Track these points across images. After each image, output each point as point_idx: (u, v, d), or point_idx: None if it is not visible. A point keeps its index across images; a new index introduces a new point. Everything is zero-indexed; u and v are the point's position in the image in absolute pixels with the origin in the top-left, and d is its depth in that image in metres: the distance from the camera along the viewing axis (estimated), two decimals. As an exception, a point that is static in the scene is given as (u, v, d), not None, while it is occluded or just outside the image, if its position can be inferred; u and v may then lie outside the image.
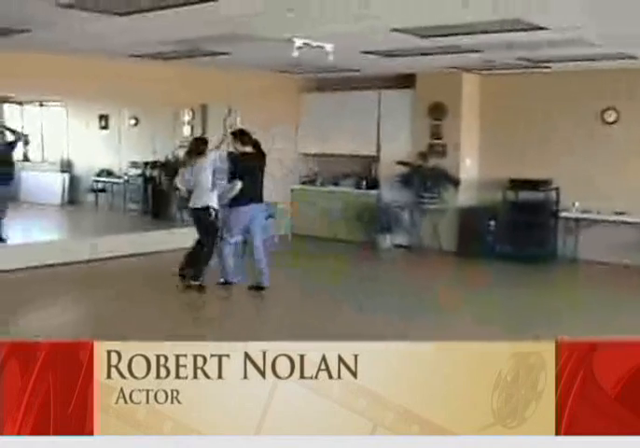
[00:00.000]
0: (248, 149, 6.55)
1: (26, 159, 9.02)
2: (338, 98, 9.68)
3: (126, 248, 7.69)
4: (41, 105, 9.07)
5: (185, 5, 4.58)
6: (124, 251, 7.64)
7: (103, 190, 9.63)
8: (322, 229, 9.64)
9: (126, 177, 9.39)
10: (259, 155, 6.69)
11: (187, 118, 9.39)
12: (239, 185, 6.29)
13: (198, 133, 9.25)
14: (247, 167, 6.49)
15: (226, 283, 6.65)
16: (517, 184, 8.48)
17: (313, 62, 7.62)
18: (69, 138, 8.40)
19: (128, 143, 9.33)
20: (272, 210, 9.23)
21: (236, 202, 6.42)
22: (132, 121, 9.50)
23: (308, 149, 10.03)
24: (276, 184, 9.52)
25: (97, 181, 9.65)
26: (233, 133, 6.65)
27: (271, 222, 9.15)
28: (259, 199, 6.63)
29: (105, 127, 9.53)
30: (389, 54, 7.10)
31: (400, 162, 8.94)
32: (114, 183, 9.61)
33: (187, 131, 9.30)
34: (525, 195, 8.47)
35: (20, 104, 9.06)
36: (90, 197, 9.66)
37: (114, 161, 9.46)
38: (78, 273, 7.11)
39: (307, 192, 9.96)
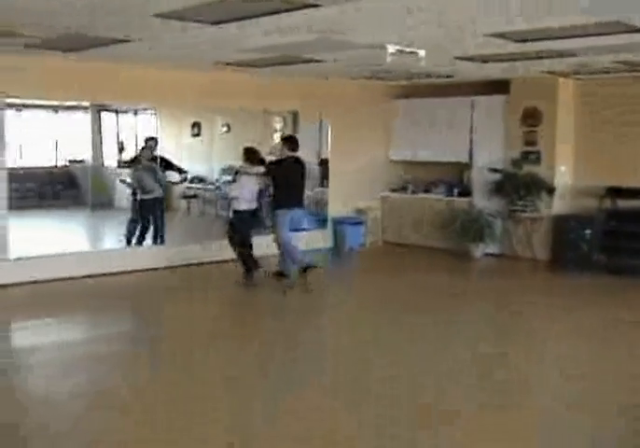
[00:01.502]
0: (292, 155, 6.95)
1: (120, 165, 8.91)
2: (430, 104, 9.59)
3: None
4: (135, 114, 9.20)
5: (282, 12, 4.64)
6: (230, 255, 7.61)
7: (194, 196, 9.59)
8: (412, 236, 9.57)
9: (217, 184, 9.32)
10: (298, 163, 7.06)
11: (278, 125, 9.46)
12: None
13: None
14: (287, 172, 6.91)
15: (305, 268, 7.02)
16: (615, 192, 8.27)
17: (405, 68, 7.64)
18: (162, 145, 8.29)
19: (219, 150, 9.30)
20: (362, 218, 9.37)
21: (278, 206, 6.89)
22: (224, 129, 9.48)
23: (399, 156, 9.96)
24: (366, 190, 9.60)
25: (189, 187, 9.43)
26: (285, 139, 7.11)
27: (361, 230, 9.25)
28: (300, 204, 7.08)
29: (198, 134, 9.48)
30: (483, 60, 6.99)
31: (493, 169, 8.87)
32: (205, 189, 9.56)
33: (277, 138, 9.17)
34: (624, 203, 8.23)
35: (116, 112, 9.22)
36: (183, 203, 9.59)
37: (205, 167, 9.38)
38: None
39: (397, 199, 9.84)
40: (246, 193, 7.23)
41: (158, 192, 8.26)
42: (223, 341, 5.49)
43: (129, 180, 8.32)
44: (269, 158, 7.63)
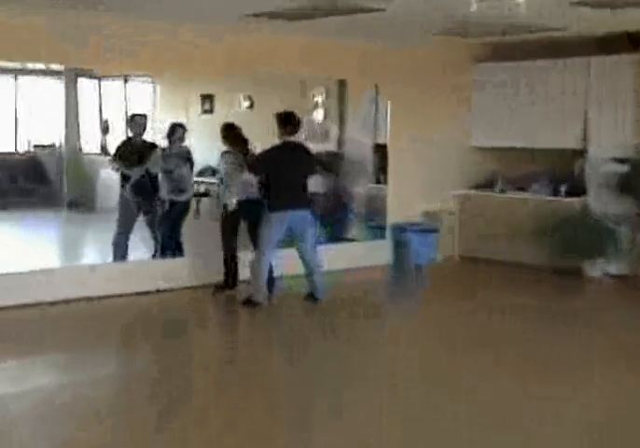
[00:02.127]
0: (291, 139, 6.91)
1: (105, 151, 8.70)
2: (527, 70, 9.02)
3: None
4: (125, 81, 8.82)
5: None
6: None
7: (206, 194, 9.33)
8: (501, 249, 9.06)
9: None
10: (299, 150, 7.04)
11: (319, 98, 9.15)
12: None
13: (333, 117, 9.29)
14: (281, 163, 6.83)
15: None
16: None
17: (496, 19, 7.16)
18: (160, 125, 8.03)
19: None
20: (433, 224, 9.17)
21: (273, 206, 6.88)
22: (246, 103, 9.23)
23: (483, 141, 9.47)
24: (438, 187, 9.37)
25: (199, 182, 9.15)
26: (280, 117, 6.99)
27: (432, 240, 9.04)
28: (302, 204, 7.00)
29: (210, 111, 9.26)
30: (611, 4, 6.56)
31: (618, 159, 8.30)
32: (221, 184, 8.57)
33: (319, 115, 9.07)
34: None
35: (99, 79, 8.90)
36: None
37: (218, 155, 8.60)
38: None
39: (481, 200, 9.36)
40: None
41: (187, 194, 8.05)
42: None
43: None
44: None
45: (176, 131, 7.98)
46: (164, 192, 7.84)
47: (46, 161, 8.95)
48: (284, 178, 6.96)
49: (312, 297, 7.21)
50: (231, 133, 7.43)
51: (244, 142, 7.42)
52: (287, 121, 7.05)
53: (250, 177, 7.10)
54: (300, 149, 7.16)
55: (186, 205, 8.13)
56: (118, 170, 7.76)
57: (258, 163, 7.06)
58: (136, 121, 7.92)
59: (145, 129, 7.86)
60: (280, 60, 8.13)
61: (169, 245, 7.93)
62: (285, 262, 7.35)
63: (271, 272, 7.09)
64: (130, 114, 8.21)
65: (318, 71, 8.52)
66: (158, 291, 7.43)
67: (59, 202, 8.62)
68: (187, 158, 8.01)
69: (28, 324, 6.64)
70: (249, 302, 7.07)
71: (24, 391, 5.12)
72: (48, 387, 5.24)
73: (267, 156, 7.06)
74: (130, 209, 7.80)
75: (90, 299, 7.19)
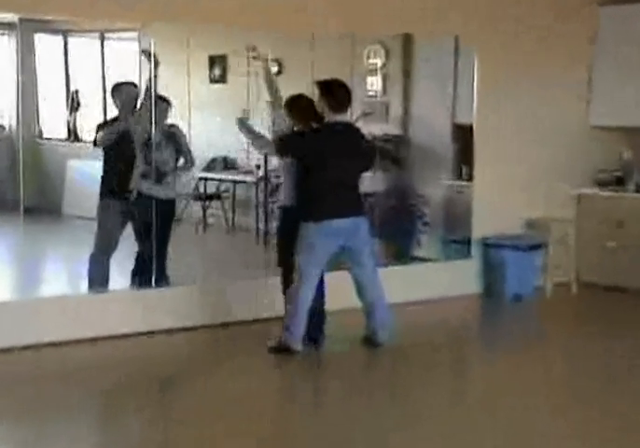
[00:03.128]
0: (339, 119, 6.69)
1: (74, 135, 8.68)
2: None
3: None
4: (102, 39, 8.65)
5: None
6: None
7: (216, 197, 9.35)
8: (637, 273, 8.74)
9: (260, 173, 9.03)
10: (355, 136, 6.82)
11: (375, 61, 8.90)
12: None
13: (395, 88, 8.98)
14: (324, 152, 6.64)
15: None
16: None
17: None
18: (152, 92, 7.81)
19: (263, 107, 8.38)
20: (539, 237, 8.89)
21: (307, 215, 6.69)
22: (273, 68, 8.62)
23: (609, 119, 9.22)
24: (545, 186, 9.12)
25: (205, 179, 9.26)
26: (323, 87, 6.76)
27: (537, 260, 8.79)
28: (354, 209, 6.79)
29: (221, 79, 9.20)
30: None
31: None
32: (237, 182, 9.33)
33: (375, 83, 8.82)
34: None
35: (64, 34, 8.73)
36: (194, 208, 9.21)
37: (236, 142, 8.82)
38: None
39: (609, 202, 9.19)
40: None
41: (166, 189, 7.85)
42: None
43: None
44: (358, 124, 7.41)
45: (157, 105, 7.80)
46: (136, 182, 7.60)
47: None
48: (329, 174, 6.71)
49: (371, 341, 6.96)
50: (299, 108, 7.04)
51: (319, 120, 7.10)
52: (333, 94, 6.75)
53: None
54: (353, 134, 6.89)
55: (169, 207, 7.91)
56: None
57: (293, 144, 6.79)
58: (124, 93, 7.66)
59: (136, 105, 7.61)
60: (316, 8, 7.68)
61: (145, 268, 7.77)
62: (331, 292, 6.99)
63: (315, 307, 6.79)
64: (114, 83, 7.87)
65: (371, 23, 8.08)
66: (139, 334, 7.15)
67: (10, 206, 8.28)
68: (172, 139, 7.91)
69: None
70: (280, 349, 6.78)
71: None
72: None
73: (306, 139, 6.82)
74: (114, 218, 7.59)
75: (53, 345, 6.95)
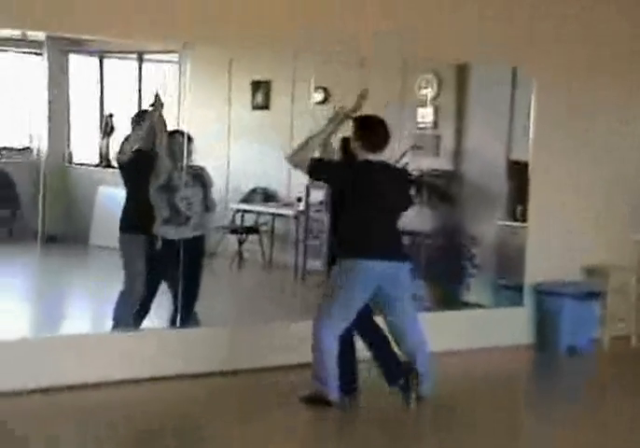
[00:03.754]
0: (376, 159, 6.35)
1: (106, 161, 8.48)
2: None
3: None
4: (140, 61, 8.45)
5: None
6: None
7: (254, 230, 9.02)
8: None
9: (301, 206, 8.75)
10: (392, 172, 6.54)
11: (427, 91, 8.54)
12: None
13: (448, 120, 8.72)
14: (363, 186, 6.35)
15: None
16: None
17: None
18: (188, 124, 7.55)
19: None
20: (598, 285, 8.53)
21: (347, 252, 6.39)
22: (319, 96, 8.65)
23: None
24: (606, 229, 8.69)
25: (242, 211, 8.98)
26: (359, 125, 6.41)
27: (591, 310, 8.40)
28: (394, 252, 6.43)
29: (265, 106, 9.03)
30: None
31: None
32: (276, 216, 9.04)
33: (427, 115, 8.52)
34: None
35: (100, 56, 8.58)
36: (230, 241, 8.93)
37: (277, 172, 8.83)
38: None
39: None
40: None
41: (196, 226, 7.48)
42: None
43: None
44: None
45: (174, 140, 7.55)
46: (158, 229, 7.37)
47: (15, 172, 8.65)
48: (367, 210, 6.35)
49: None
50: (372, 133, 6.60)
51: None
52: (371, 131, 6.41)
53: None
54: (393, 172, 6.56)
55: (197, 244, 7.57)
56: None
57: (330, 168, 6.42)
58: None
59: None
60: (362, 31, 7.35)
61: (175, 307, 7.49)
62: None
63: (351, 353, 6.49)
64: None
65: (425, 48, 7.73)
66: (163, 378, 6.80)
67: (31, 234, 7.98)
68: (199, 180, 7.62)
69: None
70: (315, 400, 6.35)
71: None
72: None
73: (344, 167, 6.47)
74: (138, 253, 7.31)
75: (70, 387, 6.54)
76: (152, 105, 7.59)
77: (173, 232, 7.33)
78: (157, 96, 7.57)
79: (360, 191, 6.37)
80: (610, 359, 8.34)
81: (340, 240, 6.49)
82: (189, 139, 7.47)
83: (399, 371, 6.41)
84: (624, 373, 7.97)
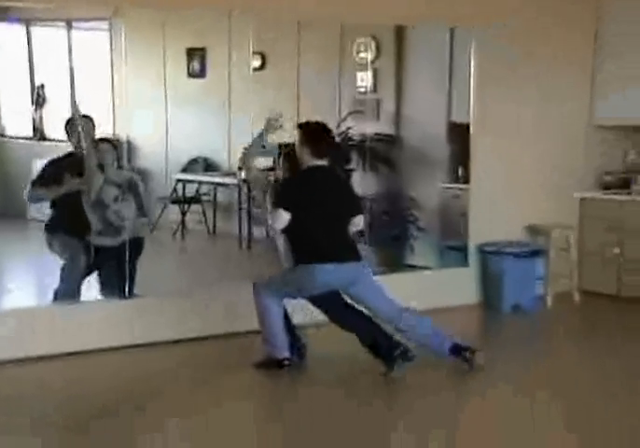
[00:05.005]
0: (321, 164, 6.36)
1: (40, 133, 8.18)
2: None
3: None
4: (69, 27, 8.10)
5: None
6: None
7: (196, 200, 8.84)
8: None
9: (244, 174, 8.22)
10: (334, 178, 6.54)
11: (365, 54, 8.39)
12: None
13: (387, 84, 8.62)
14: (315, 196, 6.37)
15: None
16: None
17: None
18: (122, 94, 7.52)
19: (244, 105, 8.29)
20: (540, 244, 8.50)
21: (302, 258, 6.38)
22: (256, 63, 8.37)
23: (614, 116, 8.73)
24: (545, 189, 8.66)
25: (183, 181, 8.78)
26: (304, 130, 6.45)
27: (538, 268, 8.41)
28: (348, 253, 6.39)
29: (200, 74, 8.80)
30: None
31: None
32: (218, 185, 8.85)
33: (366, 79, 8.36)
34: None
35: (26, 23, 8.26)
36: (171, 211, 8.66)
37: (217, 141, 8.80)
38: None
39: (612, 206, 8.70)
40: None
41: (132, 231, 7.27)
42: None
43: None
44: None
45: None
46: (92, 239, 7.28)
47: None
48: (319, 218, 6.33)
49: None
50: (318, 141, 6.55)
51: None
52: (317, 139, 6.41)
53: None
54: (338, 178, 6.61)
55: (137, 243, 7.34)
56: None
57: (289, 194, 6.40)
58: (77, 127, 7.09)
59: (93, 137, 7.09)
60: None
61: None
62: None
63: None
64: (69, 117, 7.28)
65: (362, 12, 7.51)
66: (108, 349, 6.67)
67: None
68: (132, 190, 7.36)
69: None
70: (268, 363, 6.31)
71: None
72: None
73: (294, 184, 6.50)
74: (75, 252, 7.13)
75: (14, 362, 6.38)
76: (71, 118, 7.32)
77: (108, 241, 7.18)
78: (73, 104, 7.33)
79: (307, 201, 6.34)
80: (553, 316, 8.34)
81: (293, 248, 6.44)
82: (115, 147, 7.30)
83: (391, 346, 6.29)
84: (566, 328, 8.02)
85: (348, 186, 6.84)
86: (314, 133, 6.47)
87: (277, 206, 6.35)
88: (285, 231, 6.41)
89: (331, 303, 6.54)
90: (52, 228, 7.14)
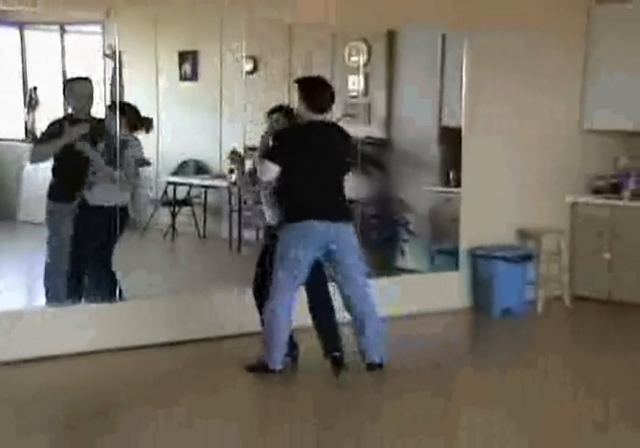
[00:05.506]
0: (321, 119, 6.30)
1: (32, 136, 7.94)
2: None
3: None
4: (62, 31, 8.11)
5: None
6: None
7: (187, 203, 8.77)
8: (636, 287, 8.32)
9: (234, 177, 8.18)
10: (338, 135, 6.41)
11: (357, 58, 8.36)
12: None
13: (378, 88, 8.59)
14: (305, 151, 6.26)
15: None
16: None
17: None
18: (116, 96, 7.39)
19: (237, 107, 8.30)
20: (530, 248, 8.46)
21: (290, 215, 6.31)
22: (248, 67, 8.28)
23: (605, 122, 8.67)
24: (537, 193, 8.56)
25: (174, 183, 8.74)
26: (302, 84, 6.39)
27: (524, 273, 8.30)
28: (338, 213, 6.33)
29: (192, 77, 8.74)
30: None
31: None
32: (208, 187, 8.78)
33: (356, 82, 8.34)
34: None
35: (20, 27, 8.23)
36: (162, 214, 8.64)
37: (208, 144, 8.73)
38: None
39: (603, 211, 8.66)
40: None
41: (117, 195, 7.15)
42: None
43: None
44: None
45: (69, 84, 7.28)
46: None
47: None
48: (310, 174, 6.21)
49: (338, 361, 6.33)
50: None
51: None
52: (315, 92, 6.27)
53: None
54: (336, 133, 6.37)
55: (111, 216, 7.18)
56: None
57: (279, 146, 6.27)
58: (76, 89, 7.02)
59: (91, 100, 6.99)
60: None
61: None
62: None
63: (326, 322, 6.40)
64: (66, 79, 7.32)
65: (355, 19, 7.58)
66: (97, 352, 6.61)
67: None
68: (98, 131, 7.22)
69: None
70: (258, 368, 6.23)
71: None
72: None
73: (286, 137, 6.33)
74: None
75: (10, 364, 6.29)
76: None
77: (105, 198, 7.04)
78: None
79: (303, 157, 6.21)
80: (543, 320, 8.26)
81: (283, 204, 6.32)
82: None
83: (336, 345, 6.27)
84: (557, 333, 7.96)
85: (348, 144, 6.62)
86: (312, 87, 6.37)
87: (265, 157, 6.22)
88: (276, 186, 6.29)
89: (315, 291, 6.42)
90: (53, 195, 7.04)
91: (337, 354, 6.33)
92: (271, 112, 6.65)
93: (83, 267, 7.23)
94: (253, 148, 7.36)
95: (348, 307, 6.30)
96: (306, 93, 6.25)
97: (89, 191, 7.10)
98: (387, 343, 6.37)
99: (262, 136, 6.65)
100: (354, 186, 7.44)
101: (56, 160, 7.02)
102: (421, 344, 7.13)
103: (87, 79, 7.21)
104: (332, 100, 6.32)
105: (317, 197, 6.23)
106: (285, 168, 6.17)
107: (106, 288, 7.19)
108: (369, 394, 6.08)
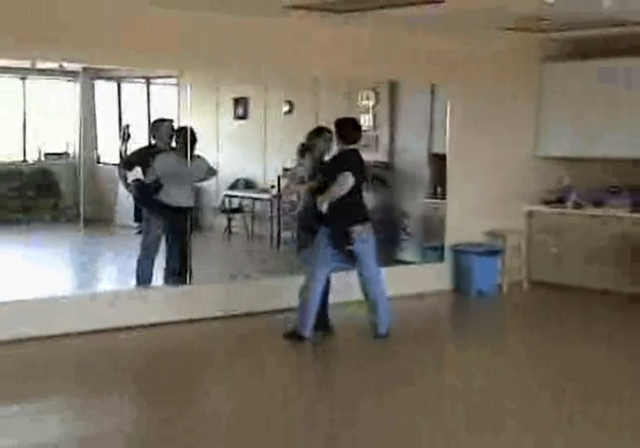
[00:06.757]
0: (354, 147, 6.57)
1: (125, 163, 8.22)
2: (608, 68, 8.32)
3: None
4: (148, 84, 8.46)
5: None
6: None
7: (238, 210, 9.08)
8: (577, 274, 8.57)
9: (274, 191, 8.71)
10: (362, 160, 6.68)
11: (367, 102, 8.73)
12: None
13: (383, 122, 8.90)
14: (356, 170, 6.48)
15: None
16: None
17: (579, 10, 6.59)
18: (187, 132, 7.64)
19: (276, 140, 8.66)
20: (497, 245, 8.74)
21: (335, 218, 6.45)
22: (285, 108, 8.82)
23: (552, 150, 8.91)
24: (503, 203, 8.86)
25: (230, 196, 9.01)
26: (342, 123, 6.64)
27: (496, 263, 8.62)
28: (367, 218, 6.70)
29: (244, 116, 8.98)
30: None
31: None
32: (255, 199, 9.04)
33: (367, 120, 8.59)
34: None
35: (118, 81, 8.59)
36: (220, 220, 8.96)
37: (255, 166, 8.98)
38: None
39: (552, 217, 8.87)
40: None
41: (185, 198, 7.47)
42: None
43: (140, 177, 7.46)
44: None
45: (157, 125, 7.48)
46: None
47: (58, 171, 8.67)
48: (355, 187, 6.46)
49: (328, 330, 6.76)
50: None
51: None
52: (353, 128, 6.61)
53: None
54: (361, 158, 6.70)
55: (180, 214, 7.43)
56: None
57: (346, 164, 6.45)
58: (160, 129, 7.46)
59: (171, 137, 7.40)
60: (321, 58, 7.48)
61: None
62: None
63: (324, 303, 6.58)
64: (153, 120, 7.70)
65: (365, 71, 7.86)
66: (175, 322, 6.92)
67: (72, 217, 8.15)
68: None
69: (33, 361, 6.01)
70: (293, 335, 6.53)
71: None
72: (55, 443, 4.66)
73: (346, 159, 6.51)
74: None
75: (106, 331, 6.66)
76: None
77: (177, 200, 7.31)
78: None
79: (354, 174, 6.40)
80: (508, 299, 8.60)
81: (335, 212, 6.38)
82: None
83: (323, 323, 6.60)
84: (518, 308, 8.31)
85: (365, 166, 6.80)
86: (346, 125, 6.63)
87: (345, 171, 6.31)
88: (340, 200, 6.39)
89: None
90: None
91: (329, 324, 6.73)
92: (314, 132, 6.91)
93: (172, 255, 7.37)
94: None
95: (365, 291, 6.61)
96: (346, 129, 6.58)
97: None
98: (392, 317, 6.64)
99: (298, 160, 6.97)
100: (365, 198, 7.62)
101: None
102: (415, 316, 7.46)
103: (170, 121, 7.52)
104: (359, 133, 6.63)
105: (359, 204, 6.54)
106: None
107: (181, 275, 7.27)
108: (376, 354, 6.34)
